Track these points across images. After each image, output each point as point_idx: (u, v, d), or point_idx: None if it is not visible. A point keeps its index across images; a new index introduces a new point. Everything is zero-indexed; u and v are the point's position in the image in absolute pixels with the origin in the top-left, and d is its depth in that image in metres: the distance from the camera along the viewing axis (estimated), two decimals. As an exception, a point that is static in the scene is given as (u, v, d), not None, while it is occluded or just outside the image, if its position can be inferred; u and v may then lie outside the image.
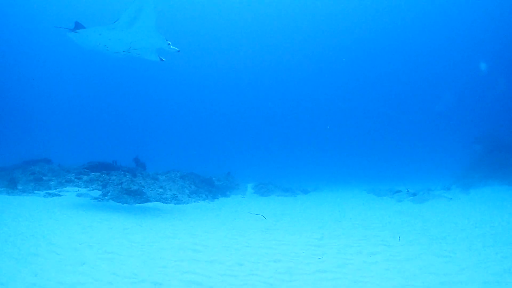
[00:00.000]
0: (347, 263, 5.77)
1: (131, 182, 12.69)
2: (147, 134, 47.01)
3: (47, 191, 11.84)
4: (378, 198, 17.37)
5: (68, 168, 14.79)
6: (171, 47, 9.68)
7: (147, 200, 12.23)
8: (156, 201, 12.41)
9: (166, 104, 51.96)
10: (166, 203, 12.44)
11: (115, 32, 9.02)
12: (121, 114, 50.87)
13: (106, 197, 11.76)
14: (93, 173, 13.86)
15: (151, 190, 12.88)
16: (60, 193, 11.75)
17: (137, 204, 11.83)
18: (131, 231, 7.54)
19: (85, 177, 13.36)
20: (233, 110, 52.03)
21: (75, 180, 13.13)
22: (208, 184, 16.80)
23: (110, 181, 12.83)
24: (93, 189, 12.56)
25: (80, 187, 12.75)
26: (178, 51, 9.73)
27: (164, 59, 10.27)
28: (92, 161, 14.89)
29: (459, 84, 43.53)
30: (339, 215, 11.47)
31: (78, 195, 11.68)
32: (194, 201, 13.61)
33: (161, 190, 13.19)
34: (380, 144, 41.68)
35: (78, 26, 9.18)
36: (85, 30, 9.09)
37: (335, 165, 32.94)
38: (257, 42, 48.45)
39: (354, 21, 44.27)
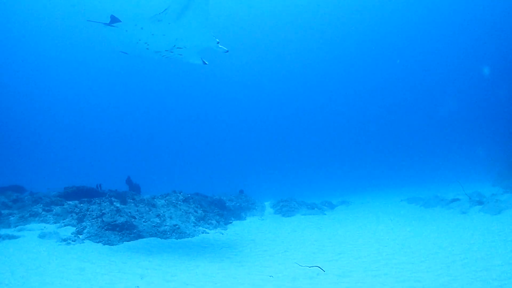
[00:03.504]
0: None
1: (116, 212, 9.43)
2: (143, 150, 43.35)
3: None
4: (429, 209, 14.04)
5: (41, 197, 11.55)
6: (220, 46, 8.26)
7: (139, 235, 8.98)
8: (151, 235, 9.15)
9: (165, 114, 48.42)
10: (165, 238, 9.18)
11: (161, 25, 7.56)
12: (113, 127, 46.86)
13: (80, 237, 8.52)
14: (69, 202, 10.63)
15: (144, 222, 9.61)
16: (17, 234, 8.50)
17: (125, 243, 8.59)
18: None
19: (56, 209, 10.10)
20: (242, 120, 48.75)
21: (42, 213, 9.86)
22: (218, 206, 13.57)
23: (88, 213, 9.58)
24: (64, 225, 9.30)
25: (48, 223, 9.49)
26: (227, 51, 8.35)
27: (207, 63, 8.94)
28: (70, 186, 11.65)
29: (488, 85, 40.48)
30: (415, 243, 8.14)
31: (41, 236, 8.40)
32: (202, 232, 10.33)
33: (158, 220, 9.92)
34: (399, 149, 38.43)
35: (114, 20, 7.70)
36: (124, 24, 7.63)
37: (356, 174, 29.70)
38: (265, 53, 45.93)
39: (372, 28, 41.62)
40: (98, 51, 40.66)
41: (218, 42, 8.34)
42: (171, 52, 8.58)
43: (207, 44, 8.42)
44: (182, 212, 11.28)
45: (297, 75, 48.38)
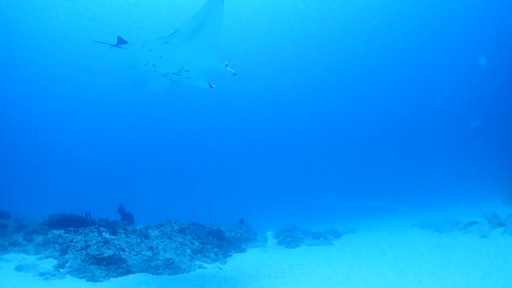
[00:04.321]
0: None
1: (104, 244, 8.48)
2: (138, 176, 42.14)
3: (-27, 266, 7.64)
4: (444, 235, 13.07)
5: (26, 224, 10.58)
6: (228, 69, 7.94)
7: (128, 271, 8.00)
8: (142, 271, 8.17)
9: (161, 138, 47.46)
10: (157, 273, 8.18)
11: (169, 47, 7.25)
12: (107, 152, 45.62)
13: (61, 271, 7.55)
14: (53, 232, 9.67)
15: (134, 255, 8.64)
16: (-8, 267, 7.54)
17: (112, 279, 7.61)
18: None
19: (38, 238, 9.14)
20: (241, 145, 47.88)
21: (23, 242, 8.90)
22: (216, 237, 12.59)
23: (72, 244, 8.62)
24: (46, 257, 8.33)
25: (28, 254, 8.53)
26: (235, 74, 8.01)
27: (214, 86, 8.57)
28: (55, 214, 10.69)
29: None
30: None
31: (18, 269, 7.43)
32: (199, 266, 9.34)
33: (150, 253, 8.94)
34: (404, 171, 37.41)
35: (121, 41, 7.43)
36: (132, 45, 7.32)
37: (360, 199, 28.65)
38: (266, 80, 45.87)
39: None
40: (90, 73, 40.55)
41: (226, 65, 7.99)
42: (179, 75, 8.23)
43: (215, 67, 8.07)
44: (177, 244, 10.31)
45: (296, 99, 48.12)
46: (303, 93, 48.00)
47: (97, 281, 7.40)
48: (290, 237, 14.05)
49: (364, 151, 44.56)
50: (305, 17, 40.43)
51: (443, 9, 37.73)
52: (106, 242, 8.62)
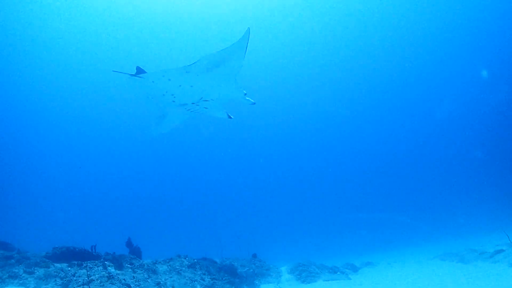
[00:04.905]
0: None
1: (108, 279, 7.92)
2: (146, 209, 41.29)
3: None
4: (468, 266, 12.14)
5: (29, 256, 10.09)
6: (247, 98, 8.05)
7: (133, 308, 7.40)
8: (148, 309, 7.56)
9: (170, 171, 46.84)
10: (164, 311, 7.57)
11: (189, 76, 7.33)
12: (114, 184, 45.09)
13: (61, 308, 6.99)
14: (55, 265, 9.14)
15: (140, 291, 8.05)
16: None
17: (115, 318, 7.02)
18: None
19: (40, 271, 8.60)
20: (254, 178, 47.12)
21: (23, 275, 8.37)
22: (228, 273, 11.88)
23: (74, 278, 8.07)
24: (46, 293, 7.79)
25: (27, 287, 7.99)
26: (254, 103, 8.15)
27: (232, 117, 8.55)
28: (59, 247, 10.18)
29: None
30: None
31: (15, 306, 6.92)
32: (210, 304, 8.68)
33: (157, 289, 8.34)
34: (420, 202, 36.24)
35: (140, 71, 7.54)
36: (152, 74, 7.36)
37: (377, 231, 27.60)
38: (274, 120, 46.00)
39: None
40: (96, 110, 40.83)
41: (245, 94, 8.02)
42: (197, 105, 8.24)
43: (234, 96, 8.11)
44: (187, 280, 9.68)
45: (308, 131, 48.00)
46: (314, 126, 47.88)
47: (99, 320, 6.81)
48: (306, 272, 13.25)
49: (378, 182, 43.62)
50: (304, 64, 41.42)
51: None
52: (110, 277, 8.06)
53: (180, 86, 7.59)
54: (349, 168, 47.34)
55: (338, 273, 13.70)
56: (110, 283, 7.73)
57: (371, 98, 44.96)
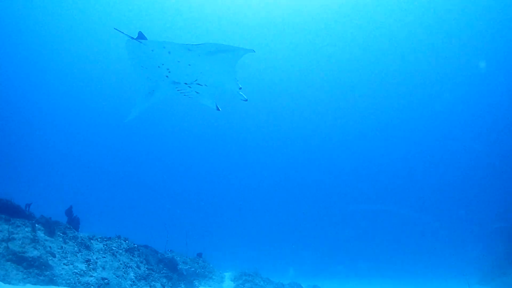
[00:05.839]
0: None
1: (31, 241, 6.98)
2: (96, 181, 38.91)
3: None
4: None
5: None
6: (240, 92, 7.93)
7: (51, 280, 6.52)
8: (68, 285, 6.68)
9: (130, 149, 44.58)
10: (85, 292, 6.69)
11: (190, 54, 7.18)
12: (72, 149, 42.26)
13: (-33, 263, 6.02)
14: (-23, 217, 8.08)
15: (65, 264, 7.15)
16: None
17: (28, 285, 6.12)
18: None
19: (-44, 221, 7.57)
20: (214, 174, 45.78)
21: None
22: (168, 266, 11.06)
23: (-7, 234, 7.08)
24: (-45, 244, 6.76)
25: None
26: (246, 100, 8.04)
27: (220, 109, 8.47)
28: (-12, 199, 9.11)
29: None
30: None
31: None
32: (139, 295, 7.85)
33: (85, 266, 7.46)
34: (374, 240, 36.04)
35: (142, 37, 7.25)
36: (153, 42, 7.09)
37: (329, 257, 27.23)
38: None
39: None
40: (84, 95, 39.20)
41: (240, 88, 7.93)
42: (189, 87, 8.04)
43: (229, 87, 8.01)
44: (120, 264, 8.81)
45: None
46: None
47: (9, 283, 5.93)
48: (249, 283, 12.62)
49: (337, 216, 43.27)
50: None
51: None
52: (35, 240, 7.13)
53: (178, 62, 7.40)
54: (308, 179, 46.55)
55: (283, 291, 13.14)
56: (32, 247, 6.81)
57: (367, 96, 44.55)
